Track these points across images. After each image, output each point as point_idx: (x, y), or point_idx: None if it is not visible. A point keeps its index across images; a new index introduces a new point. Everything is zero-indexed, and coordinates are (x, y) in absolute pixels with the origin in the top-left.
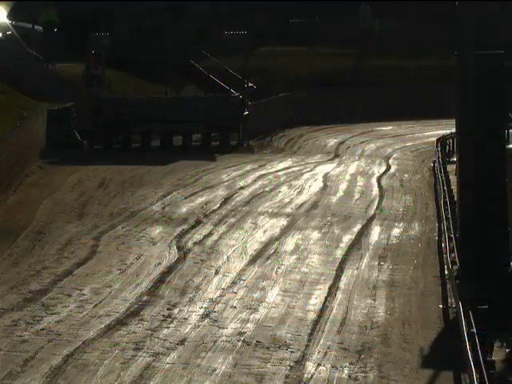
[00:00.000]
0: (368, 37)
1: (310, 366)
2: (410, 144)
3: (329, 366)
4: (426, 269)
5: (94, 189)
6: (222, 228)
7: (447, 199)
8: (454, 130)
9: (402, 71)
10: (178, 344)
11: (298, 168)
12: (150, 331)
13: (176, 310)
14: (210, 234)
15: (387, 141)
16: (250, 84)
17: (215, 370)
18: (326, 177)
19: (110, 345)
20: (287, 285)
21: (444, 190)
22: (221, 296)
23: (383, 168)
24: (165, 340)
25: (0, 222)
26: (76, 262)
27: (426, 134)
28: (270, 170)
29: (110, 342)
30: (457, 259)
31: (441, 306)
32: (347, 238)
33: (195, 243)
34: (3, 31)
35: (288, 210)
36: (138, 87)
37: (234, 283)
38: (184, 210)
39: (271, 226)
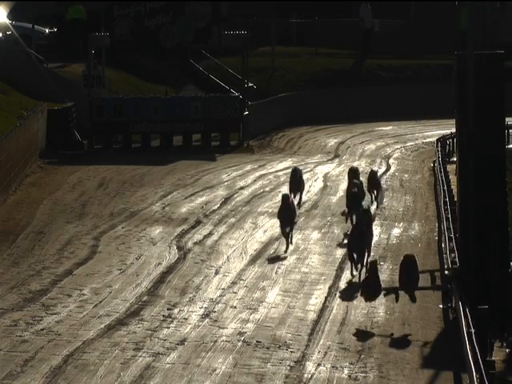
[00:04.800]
0: (368, 36)
1: (309, 366)
2: (410, 144)
3: (329, 365)
4: (426, 269)
5: (94, 189)
6: (222, 228)
7: (447, 199)
8: (453, 130)
9: (401, 71)
10: (178, 344)
11: None
12: (149, 331)
13: (176, 310)
14: (210, 234)
15: (387, 141)
16: (250, 84)
17: (215, 370)
18: (326, 177)
19: (109, 345)
20: (287, 285)
21: (444, 190)
22: (221, 296)
23: (383, 168)
24: (165, 340)
25: (0, 222)
26: (76, 262)
27: (426, 133)
28: (270, 170)
29: (109, 341)
30: (457, 259)
31: (441, 306)
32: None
33: (195, 243)
34: (3, 31)
35: None
36: (138, 87)
37: (234, 283)
38: (184, 210)
39: (271, 226)
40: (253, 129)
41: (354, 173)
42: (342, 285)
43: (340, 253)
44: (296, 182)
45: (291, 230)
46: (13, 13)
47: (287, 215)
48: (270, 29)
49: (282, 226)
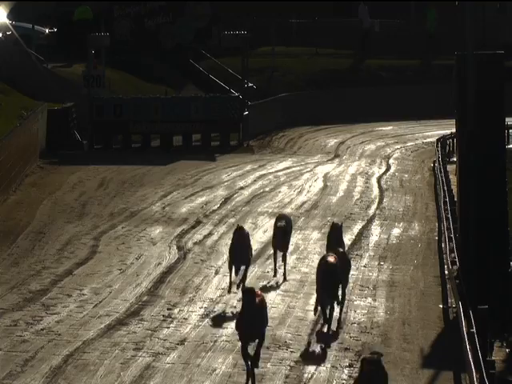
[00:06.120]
0: (367, 36)
1: (309, 366)
2: (410, 144)
3: (329, 366)
4: (426, 269)
5: (94, 189)
6: (222, 228)
7: (447, 199)
8: (453, 130)
9: (401, 71)
10: (178, 344)
11: (298, 168)
12: (149, 331)
13: (176, 310)
14: (210, 234)
15: (387, 141)
16: (250, 84)
17: (215, 369)
18: (326, 177)
19: (109, 345)
20: (287, 285)
21: (444, 190)
22: (221, 296)
23: (383, 168)
24: (165, 340)
25: (0, 222)
26: (76, 262)
27: (426, 133)
28: (270, 170)
29: (109, 341)
30: (457, 259)
31: (441, 306)
32: (347, 238)
33: (195, 243)
34: (3, 31)
35: (288, 210)
36: (138, 87)
37: (233, 283)
38: (184, 210)
39: (271, 226)
40: (253, 129)
41: (336, 230)
42: None
43: None
44: (241, 250)
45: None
46: (13, 13)
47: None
48: (270, 29)
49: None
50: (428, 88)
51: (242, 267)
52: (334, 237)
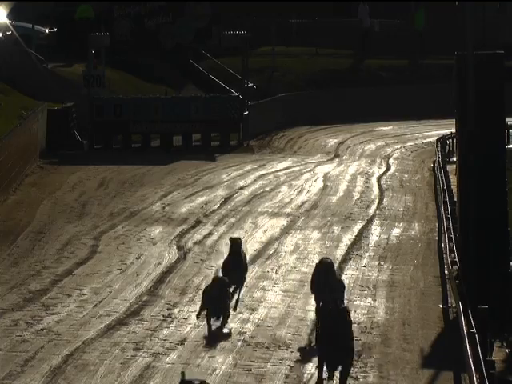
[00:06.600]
0: (367, 36)
1: (309, 366)
2: (410, 144)
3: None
4: (426, 269)
5: (93, 189)
6: (222, 228)
7: (447, 199)
8: (453, 130)
9: (401, 71)
10: (178, 344)
11: (298, 168)
12: (149, 331)
13: (176, 310)
14: (209, 233)
15: (387, 141)
16: (250, 84)
17: (215, 369)
18: (326, 177)
19: (109, 345)
20: (287, 285)
21: (444, 189)
22: None
23: (383, 168)
24: (165, 340)
25: (0, 222)
26: (76, 262)
27: (426, 133)
28: (270, 170)
29: (109, 341)
30: (457, 259)
31: (441, 306)
32: (347, 238)
33: (195, 243)
34: (3, 31)
35: (288, 210)
36: (138, 87)
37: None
38: (184, 210)
39: (271, 226)
40: (253, 129)
41: (327, 266)
42: None
43: (340, 253)
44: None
45: None
46: (13, 13)
47: None
48: (270, 29)
49: None
50: (423, 88)
51: (219, 319)
52: (322, 276)
